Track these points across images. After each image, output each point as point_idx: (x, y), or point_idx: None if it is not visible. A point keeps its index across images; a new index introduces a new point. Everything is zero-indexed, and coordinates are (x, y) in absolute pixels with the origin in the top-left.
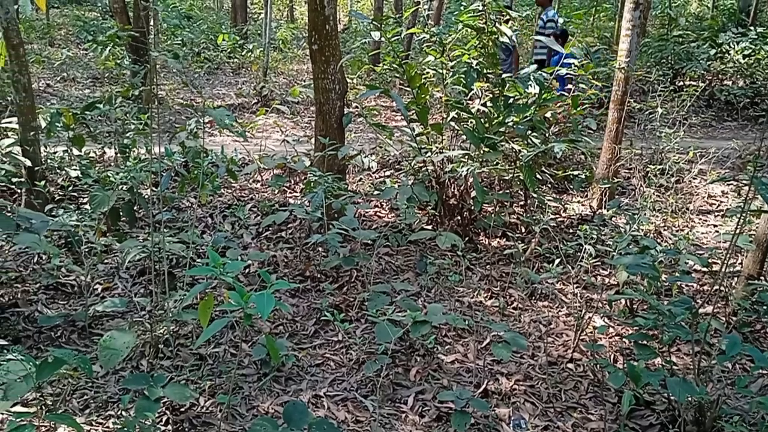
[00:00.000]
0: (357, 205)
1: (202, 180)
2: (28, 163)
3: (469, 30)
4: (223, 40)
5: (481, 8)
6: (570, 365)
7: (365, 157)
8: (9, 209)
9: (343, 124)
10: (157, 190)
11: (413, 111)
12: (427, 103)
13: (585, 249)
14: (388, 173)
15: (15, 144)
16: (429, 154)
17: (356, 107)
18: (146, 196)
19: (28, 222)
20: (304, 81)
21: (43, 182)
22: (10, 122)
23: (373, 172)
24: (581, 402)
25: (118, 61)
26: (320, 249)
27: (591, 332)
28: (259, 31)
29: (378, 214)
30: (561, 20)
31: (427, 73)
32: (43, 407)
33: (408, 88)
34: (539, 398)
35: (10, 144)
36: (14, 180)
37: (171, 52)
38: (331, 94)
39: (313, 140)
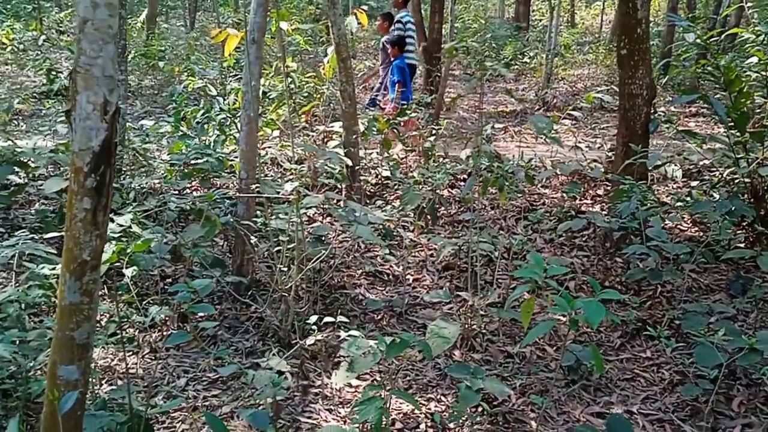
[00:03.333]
0: (663, 217)
1: (503, 183)
2: (350, 162)
3: None
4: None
5: None
6: None
7: (669, 165)
8: (344, 203)
9: (648, 130)
10: (452, 191)
11: (731, 117)
12: (747, 109)
13: None
14: (694, 184)
15: (339, 146)
16: (747, 164)
17: (662, 113)
18: (445, 196)
19: (354, 215)
20: (586, 86)
21: (361, 180)
22: (332, 126)
23: (676, 182)
24: None
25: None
26: (618, 260)
27: None
28: (538, 38)
29: (679, 227)
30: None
31: (748, 76)
32: (375, 382)
33: (724, 93)
34: None
35: (335, 145)
36: (338, 177)
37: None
38: (637, 100)
39: (606, 146)
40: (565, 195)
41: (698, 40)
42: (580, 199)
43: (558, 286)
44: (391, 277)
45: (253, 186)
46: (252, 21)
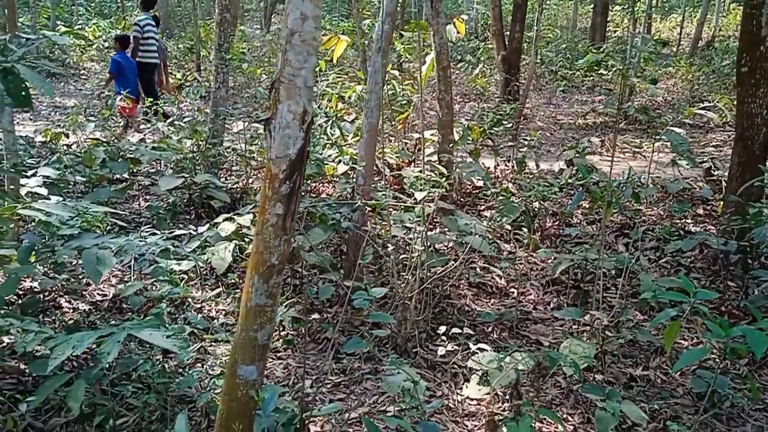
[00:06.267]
0: None
1: (610, 200)
2: (444, 170)
3: None
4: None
5: None
6: None
7: None
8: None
9: (767, 151)
10: (544, 203)
11: None
12: None
13: None
14: None
15: (433, 153)
16: None
17: None
18: (539, 209)
19: (465, 225)
20: (666, 100)
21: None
22: (421, 135)
23: None
24: None
25: (487, 79)
26: (730, 284)
27: None
28: (612, 49)
29: None
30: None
31: None
32: (496, 397)
33: None
34: None
35: (430, 153)
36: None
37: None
38: (756, 119)
39: (706, 165)
40: (662, 213)
41: None
42: (681, 219)
43: (706, 311)
44: (495, 289)
45: (380, 194)
46: (379, 30)
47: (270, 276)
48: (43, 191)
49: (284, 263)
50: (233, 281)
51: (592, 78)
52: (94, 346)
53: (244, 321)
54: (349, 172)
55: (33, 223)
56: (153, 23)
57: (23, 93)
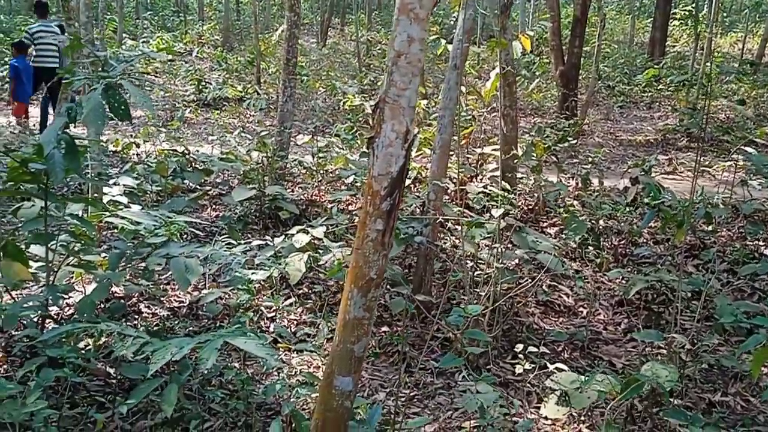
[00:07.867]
0: None
1: (683, 220)
2: (508, 186)
3: None
4: (652, 75)
5: None
6: None
7: None
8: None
9: None
10: (609, 222)
11: None
12: None
13: None
14: None
15: (497, 169)
16: None
17: None
18: (605, 227)
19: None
20: (728, 117)
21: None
22: (483, 150)
23: None
24: None
25: (543, 94)
26: None
27: None
28: (675, 65)
29: None
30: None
31: None
32: (572, 417)
33: None
34: None
35: (493, 169)
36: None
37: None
38: None
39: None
40: (732, 234)
41: None
42: (754, 241)
43: None
44: (563, 307)
45: (455, 209)
46: (456, 47)
47: (368, 290)
48: (124, 200)
49: (382, 277)
50: (304, 291)
51: (650, 93)
52: None
53: (342, 333)
54: (411, 186)
55: (116, 230)
56: (51, 30)
57: (123, 107)
